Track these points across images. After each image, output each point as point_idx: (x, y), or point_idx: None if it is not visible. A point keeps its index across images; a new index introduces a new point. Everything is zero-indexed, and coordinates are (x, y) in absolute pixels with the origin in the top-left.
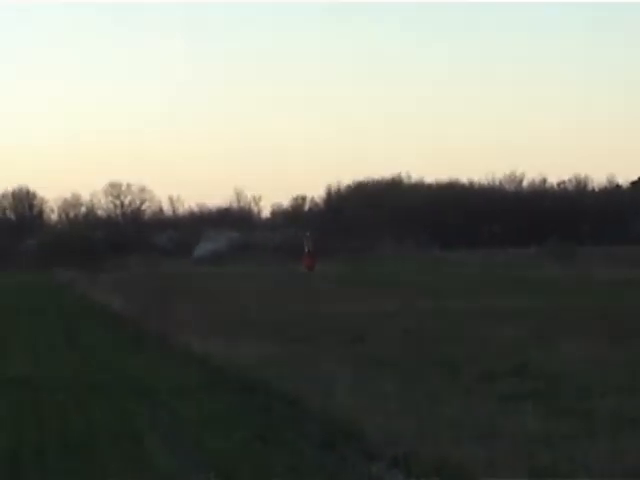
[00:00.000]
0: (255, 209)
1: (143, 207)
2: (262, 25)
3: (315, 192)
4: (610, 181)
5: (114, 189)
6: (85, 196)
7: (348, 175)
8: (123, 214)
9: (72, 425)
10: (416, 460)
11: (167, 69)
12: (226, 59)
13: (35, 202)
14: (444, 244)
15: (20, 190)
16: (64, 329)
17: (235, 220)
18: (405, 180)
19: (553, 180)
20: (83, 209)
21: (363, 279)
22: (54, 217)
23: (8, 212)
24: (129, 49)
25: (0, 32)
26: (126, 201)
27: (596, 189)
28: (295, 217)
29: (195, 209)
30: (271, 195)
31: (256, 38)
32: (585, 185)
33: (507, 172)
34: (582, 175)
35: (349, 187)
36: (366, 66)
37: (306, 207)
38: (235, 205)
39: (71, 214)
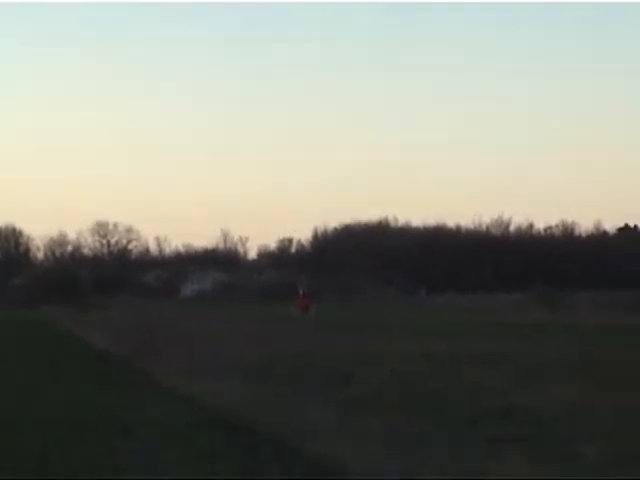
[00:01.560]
0: (241, 250)
1: (130, 247)
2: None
3: (302, 234)
4: (597, 227)
5: (101, 228)
6: (71, 235)
7: (335, 218)
8: (109, 253)
9: (51, 462)
10: None
11: (155, 108)
12: (213, 96)
13: (21, 240)
14: (431, 288)
15: (7, 228)
16: (47, 368)
17: (221, 261)
18: (392, 223)
19: (540, 225)
20: (69, 248)
21: (350, 321)
22: (40, 255)
23: None
24: (115, 83)
25: None
26: (113, 240)
27: (583, 235)
28: (281, 259)
29: (181, 249)
30: (258, 236)
31: (245, 81)
32: (572, 231)
33: (494, 217)
34: (569, 221)
35: (336, 229)
36: (351, 108)
37: (293, 249)
38: (221, 246)
39: (57, 252)
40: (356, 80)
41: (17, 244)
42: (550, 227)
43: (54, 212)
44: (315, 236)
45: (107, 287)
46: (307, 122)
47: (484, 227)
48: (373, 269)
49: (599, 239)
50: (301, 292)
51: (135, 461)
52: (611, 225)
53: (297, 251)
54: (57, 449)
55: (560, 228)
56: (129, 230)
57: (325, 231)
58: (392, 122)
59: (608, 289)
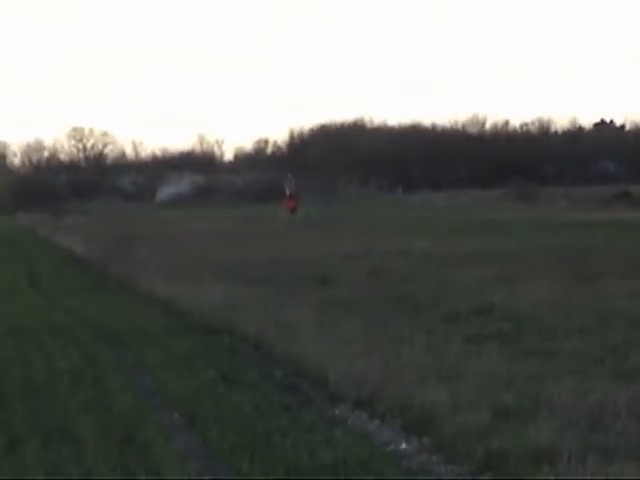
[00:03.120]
0: (218, 152)
1: (106, 151)
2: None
3: (278, 135)
4: (573, 123)
5: (77, 133)
6: (48, 141)
7: (311, 118)
8: (86, 158)
9: (34, 368)
10: (380, 401)
11: (129, 10)
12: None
13: None
14: (408, 186)
15: None
16: (26, 273)
17: (198, 164)
18: (368, 123)
19: (516, 122)
20: (46, 153)
21: (326, 221)
22: (17, 162)
23: None
24: None
25: None
26: (89, 145)
27: (559, 131)
28: (258, 160)
29: (158, 153)
30: (234, 138)
31: None
32: (548, 127)
33: (470, 114)
34: (545, 117)
35: (312, 130)
36: (331, 5)
37: (269, 150)
38: (198, 149)
39: (34, 159)
40: None
41: None
42: (526, 124)
43: (30, 118)
44: (291, 137)
45: (84, 192)
46: (283, 22)
47: (460, 125)
48: (350, 169)
49: (575, 135)
50: (288, 193)
51: (116, 365)
52: (587, 120)
53: (273, 152)
54: (38, 356)
55: (536, 125)
56: (105, 134)
57: (301, 132)
58: (370, 18)
59: (584, 185)
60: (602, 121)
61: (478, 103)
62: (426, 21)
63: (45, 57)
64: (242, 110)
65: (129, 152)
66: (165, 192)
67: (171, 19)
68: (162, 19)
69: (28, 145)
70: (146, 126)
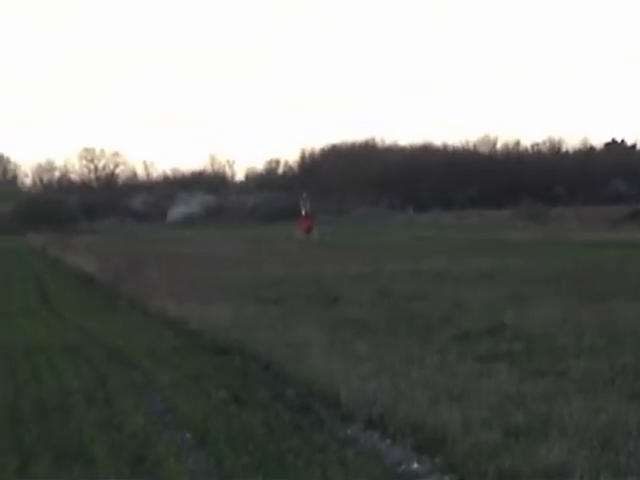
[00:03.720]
0: (229, 173)
1: (117, 171)
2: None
3: (289, 155)
4: (584, 143)
5: (88, 154)
6: (59, 161)
7: (322, 138)
8: (97, 179)
9: (46, 388)
10: (392, 421)
11: (142, 31)
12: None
13: (9, 167)
14: (419, 206)
15: None
16: (38, 292)
17: (209, 184)
18: (379, 143)
19: (527, 142)
20: (57, 174)
21: (338, 241)
22: (28, 182)
23: None
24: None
25: None
26: (100, 165)
27: (570, 151)
28: (269, 180)
29: (169, 173)
30: (245, 159)
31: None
32: (559, 147)
33: (481, 134)
34: (556, 137)
35: (323, 150)
36: (343, 26)
37: (280, 170)
38: (209, 169)
39: (45, 179)
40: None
41: (5, 171)
42: (537, 144)
43: (41, 139)
44: (302, 157)
45: (95, 212)
46: (292, 42)
47: (471, 145)
48: (361, 189)
49: (586, 155)
50: (303, 213)
51: (128, 385)
52: (598, 140)
53: (285, 172)
54: (50, 375)
55: (547, 144)
56: (116, 155)
57: (312, 152)
58: (380, 40)
59: (595, 204)
60: (613, 141)
61: (489, 122)
62: (432, 34)
63: (55, 64)
64: (253, 129)
65: (140, 172)
66: (176, 212)
67: (173, 20)
68: (165, 20)
69: (39, 165)
70: (157, 146)
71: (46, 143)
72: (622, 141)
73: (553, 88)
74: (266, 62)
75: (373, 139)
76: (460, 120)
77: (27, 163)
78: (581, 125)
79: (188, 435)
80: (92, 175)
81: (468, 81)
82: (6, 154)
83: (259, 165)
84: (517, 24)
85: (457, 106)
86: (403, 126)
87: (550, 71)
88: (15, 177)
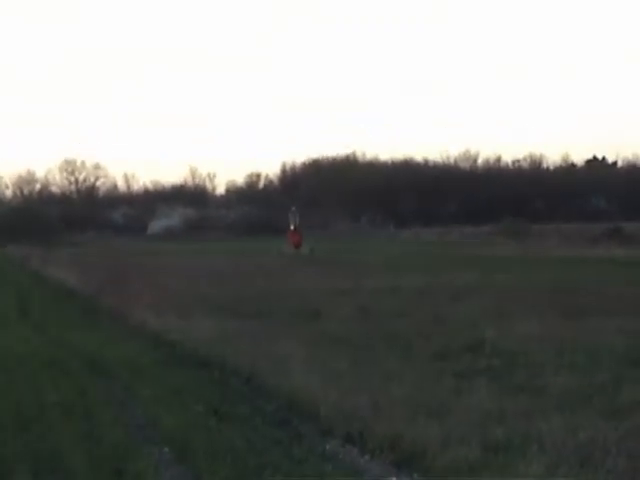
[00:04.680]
0: (209, 186)
1: (97, 184)
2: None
3: (270, 169)
4: (565, 160)
5: (69, 166)
6: (40, 172)
7: (303, 152)
8: (78, 191)
9: (25, 401)
10: (371, 437)
11: (128, 47)
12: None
13: None
14: (399, 222)
15: None
16: (17, 305)
17: (189, 197)
18: (360, 157)
19: (508, 159)
20: (38, 186)
21: (317, 257)
22: (9, 193)
23: None
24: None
25: None
26: (81, 178)
27: (551, 168)
28: (250, 194)
29: (149, 186)
30: (226, 172)
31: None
32: (540, 164)
33: (462, 150)
34: (537, 154)
35: (304, 164)
36: (323, 40)
37: (261, 184)
38: (189, 182)
39: (26, 191)
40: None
41: None
42: (518, 160)
43: (22, 150)
44: (283, 171)
45: (75, 225)
46: (276, 58)
47: (452, 161)
48: (341, 204)
49: (567, 171)
50: (292, 227)
51: (107, 398)
52: (579, 157)
53: (265, 186)
54: (29, 388)
55: (528, 161)
56: (97, 167)
57: (293, 166)
58: (361, 54)
59: (576, 221)
60: (594, 158)
61: (470, 138)
62: (419, 58)
63: (36, 72)
64: (234, 142)
65: (121, 184)
66: (157, 225)
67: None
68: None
69: (20, 177)
70: (138, 158)
71: (27, 154)
72: (603, 158)
73: (534, 104)
74: (249, 70)
75: (354, 154)
76: (441, 135)
77: (7, 174)
78: (562, 141)
79: (167, 449)
80: (73, 187)
81: (449, 96)
82: None
83: (240, 179)
84: (495, 36)
85: (438, 121)
86: (384, 141)
87: (532, 87)
88: None
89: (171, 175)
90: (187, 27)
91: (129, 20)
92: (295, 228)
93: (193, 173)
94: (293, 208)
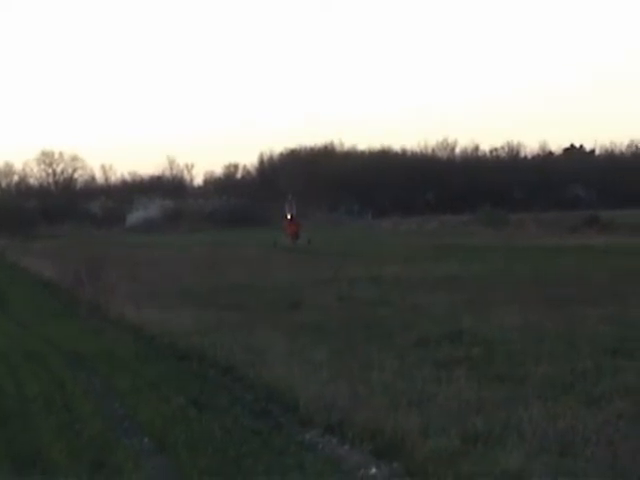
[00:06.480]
0: (187, 177)
1: (75, 175)
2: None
3: (248, 160)
4: (542, 148)
5: (46, 157)
6: (17, 165)
7: (281, 143)
8: (55, 183)
9: (5, 393)
10: (350, 426)
11: (105, 37)
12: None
13: None
14: (377, 212)
15: None
16: None
17: (167, 188)
18: (338, 148)
19: (486, 147)
20: (15, 178)
21: (297, 247)
22: None
23: None
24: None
25: None
26: (58, 169)
27: (529, 156)
28: (228, 185)
29: (127, 177)
30: (204, 163)
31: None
32: (518, 152)
33: (439, 139)
34: (515, 142)
35: (282, 154)
36: (300, 30)
37: (239, 175)
38: (167, 173)
39: (3, 183)
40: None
41: None
42: (496, 149)
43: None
44: (261, 161)
45: (53, 217)
46: (256, 47)
47: (430, 150)
48: (319, 193)
49: (545, 160)
50: (289, 216)
51: (86, 390)
52: (557, 145)
53: (243, 177)
54: (9, 380)
55: (506, 150)
56: (75, 158)
57: (271, 156)
58: (338, 45)
59: (554, 210)
60: (572, 146)
61: (448, 127)
62: (397, 47)
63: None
64: (212, 133)
65: (99, 176)
66: (135, 217)
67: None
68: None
69: None
70: (116, 148)
71: (4, 146)
72: (581, 146)
73: (512, 93)
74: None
75: (332, 143)
76: (419, 124)
77: None
78: (540, 130)
79: (147, 440)
80: (50, 179)
81: (427, 85)
82: None
83: (218, 169)
84: (476, 29)
85: (416, 110)
86: (361, 130)
87: (509, 76)
88: None
89: (149, 166)
90: (164, 16)
91: (106, 8)
92: (292, 217)
93: (171, 164)
94: (290, 196)
